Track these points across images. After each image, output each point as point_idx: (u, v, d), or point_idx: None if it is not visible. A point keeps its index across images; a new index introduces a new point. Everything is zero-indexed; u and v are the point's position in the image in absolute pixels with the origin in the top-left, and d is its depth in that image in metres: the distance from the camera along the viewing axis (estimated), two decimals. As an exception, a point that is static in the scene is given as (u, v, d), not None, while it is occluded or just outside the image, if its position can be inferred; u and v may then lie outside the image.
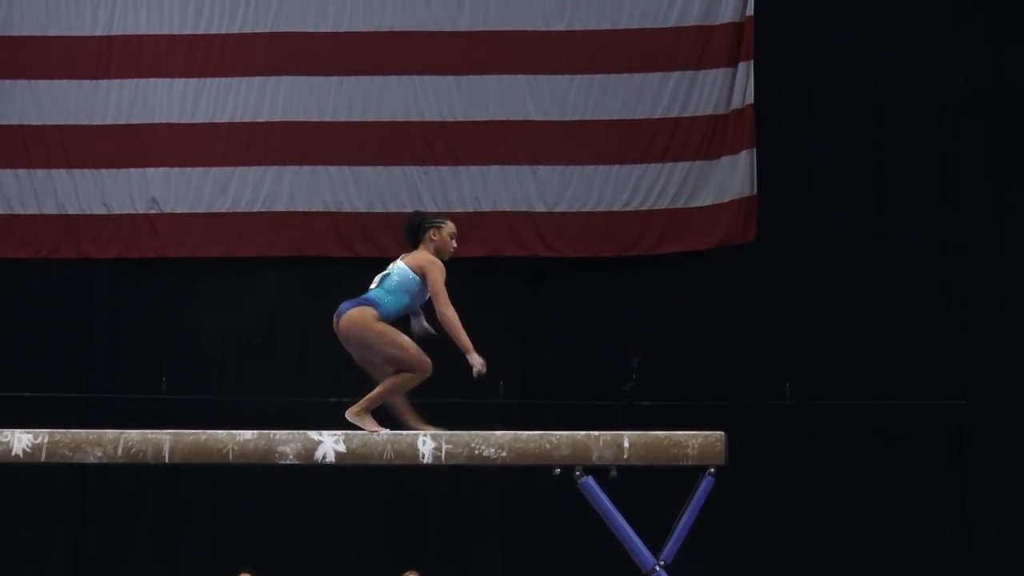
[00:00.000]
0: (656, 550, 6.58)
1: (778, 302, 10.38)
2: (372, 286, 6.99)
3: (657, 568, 6.53)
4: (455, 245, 7.04)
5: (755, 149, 10.28)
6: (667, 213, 10.36)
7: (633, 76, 10.43)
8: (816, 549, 10.23)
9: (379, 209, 10.45)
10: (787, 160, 10.47)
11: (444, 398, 10.07)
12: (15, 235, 10.50)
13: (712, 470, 6.59)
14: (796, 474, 10.28)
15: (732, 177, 10.29)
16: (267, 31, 10.58)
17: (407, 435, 6.79)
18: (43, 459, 6.77)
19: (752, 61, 10.33)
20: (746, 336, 10.40)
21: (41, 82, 10.54)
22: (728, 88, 10.37)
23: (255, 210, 10.46)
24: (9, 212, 10.50)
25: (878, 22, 10.58)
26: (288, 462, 6.81)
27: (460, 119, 10.47)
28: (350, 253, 10.46)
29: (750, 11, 10.35)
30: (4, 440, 6.72)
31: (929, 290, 10.41)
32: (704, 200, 10.34)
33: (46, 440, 6.75)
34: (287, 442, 6.75)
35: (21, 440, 6.73)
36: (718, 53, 10.38)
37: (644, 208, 10.38)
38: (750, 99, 10.30)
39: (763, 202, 10.25)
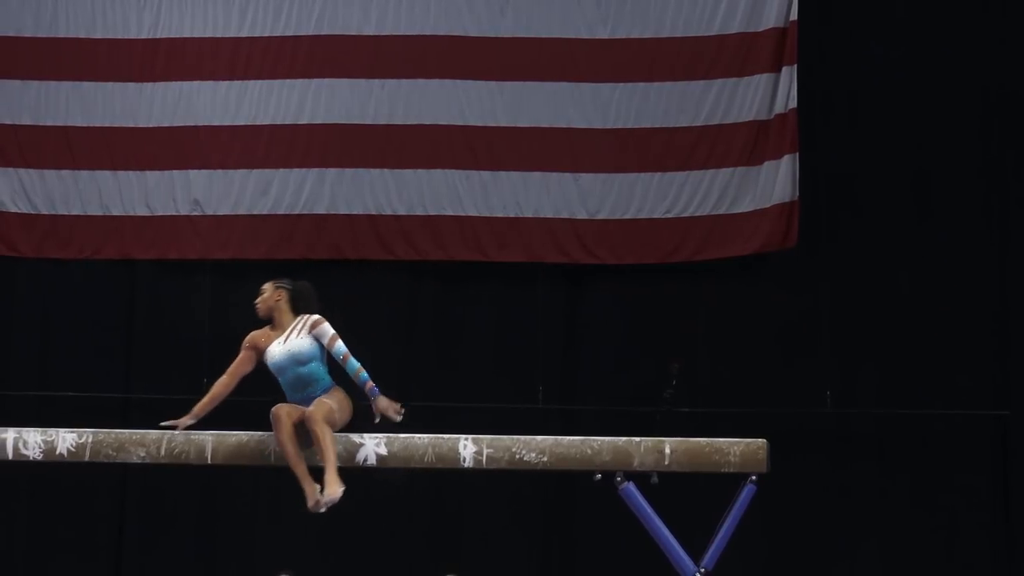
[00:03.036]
0: (697, 557, 6.57)
1: (819, 308, 10.34)
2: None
3: (698, 575, 6.52)
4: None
5: (797, 154, 10.25)
6: (709, 220, 10.34)
7: (676, 84, 10.41)
8: (855, 558, 10.17)
9: (420, 212, 10.46)
10: (830, 165, 10.43)
11: (484, 403, 10.12)
12: (59, 235, 10.57)
13: (754, 477, 6.59)
14: (836, 483, 10.22)
15: (774, 182, 10.26)
16: (310, 33, 10.60)
17: (448, 439, 6.82)
18: (87, 458, 6.84)
19: (795, 66, 10.30)
20: (787, 343, 10.35)
21: (86, 84, 10.61)
22: (771, 93, 10.34)
23: (296, 212, 10.49)
24: (53, 212, 10.56)
25: (922, 27, 10.53)
26: (330, 464, 6.83)
27: (502, 124, 10.46)
28: (391, 256, 10.48)
29: (794, 16, 10.32)
30: (49, 439, 6.79)
31: (973, 298, 10.34)
32: (746, 206, 10.31)
33: (90, 440, 6.81)
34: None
35: (65, 439, 6.80)
36: (761, 59, 10.35)
37: (686, 215, 10.35)
38: (793, 104, 10.27)
39: (805, 207, 10.20)
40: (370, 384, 6.96)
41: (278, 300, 7.25)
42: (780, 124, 10.29)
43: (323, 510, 6.79)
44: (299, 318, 7.21)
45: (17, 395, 10.23)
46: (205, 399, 7.19)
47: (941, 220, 10.42)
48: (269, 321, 7.31)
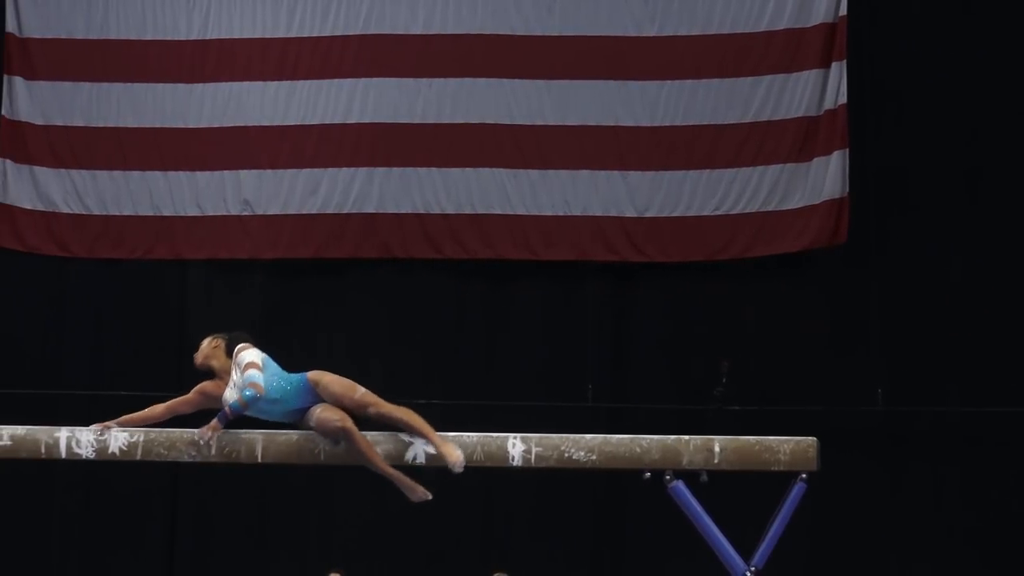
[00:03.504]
0: (747, 556, 6.53)
1: (870, 305, 10.27)
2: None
3: (748, 574, 6.49)
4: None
5: (847, 150, 10.18)
6: (758, 217, 10.29)
7: (724, 81, 10.37)
8: (907, 557, 10.10)
9: (468, 211, 10.48)
10: (880, 161, 10.35)
11: (533, 401, 10.12)
12: (111, 235, 10.65)
13: (804, 476, 6.54)
14: (888, 481, 10.16)
15: (824, 179, 10.20)
16: (357, 33, 10.64)
17: (497, 437, 6.80)
18: (139, 457, 6.87)
19: (845, 61, 10.23)
20: (837, 340, 10.29)
21: (137, 85, 10.69)
22: (820, 89, 10.27)
23: (345, 211, 10.52)
24: (105, 213, 10.64)
25: (971, 20, 10.43)
26: (379, 463, 6.84)
27: (550, 123, 10.46)
28: (439, 255, 10.50)
29: (843, 11, 10.25)
30: (101, 439, 6.83)
31: (1025, 293, 10.25)
32: (795, 202, 10.26)
33: (142, 439, 6.85)
34: (379, 443, 6.79)
35: (118, 439, 6.84)
36: (810, 55, 10.29)
37: (735, 212, 10.31)
38: (843, 99, 10.20)
39: (855, 204, 10.14)
40: (227, 412, 6.69)
41: (215, 348, 6.95)
42: (830, 120, 10.23)
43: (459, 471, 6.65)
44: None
45: (70, 394, 10.33)
46: (137, 416, 6.94)
47: (993, 216, 10.32)
48: (212, 374, 7.00)
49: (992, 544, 10.05)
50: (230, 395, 6.83)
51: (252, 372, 6.75)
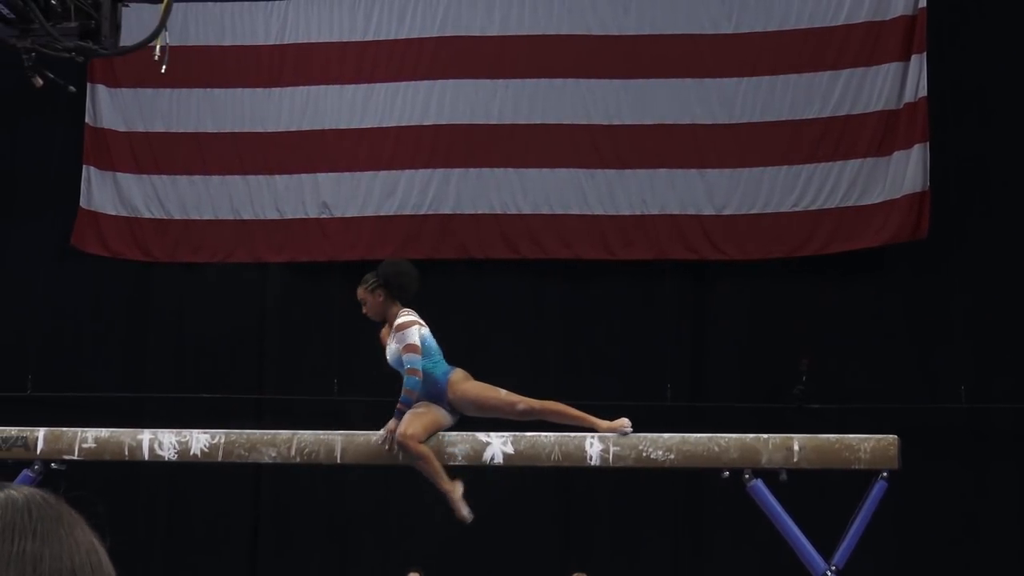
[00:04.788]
0: (827, 555, 6.47)
1: (952, 300, 10.13)
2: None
3: (829, 573, 6.43)
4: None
5: (928, 143, 10.05)
6: (837, 212, 10.18)
7: (801, 76, 10.27)
8: (991, 556, 9.95)
9: (545, 211, 10.47)
10: (962, 154, 10.20)
11: (611, 400, 10.09)
12: (192, 240, 10.77)
13: (885, 474, 6.47)
14: (971, 479, 10.01)
15: (904, 173, 10.07)
16: (434, 35, 10.66)
17: (574, 437, 6.80)
18: (220, 459, 6.94)
19: (925, 54, 10.09)
20: (919, 336, 10.17)
21: (216, 90, 10.79)
22: (900, 82, 10.15)
23: (422, 212, 10.55)
24: (186, 217, 10.76)
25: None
26: (457, 463, 6.85)
27: (627, 122, 10.42)
28: (516, 255, 10.50)
29: (923, 3, 10.12)
30: (183, 440, 6.91)
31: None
32: (875, 197, 10.13)
33: (223, 440, 6.91)
34: (456, 443, 6.80)
35: (199, 440, 6.91)
36: (890, 48, 10.17)
37: (814, 208, 10.21)
38: (923, 92, 10.07)
39: (936, 198, 10.00)
40: (400, 406, 6.68)
41: (380, 300, 6.90)
42: (910, 113, 10.10)
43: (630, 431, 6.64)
44: (398, 314, 6.84)
45: (153, 397, 10.46)
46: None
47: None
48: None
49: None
50: (392, 356, 6.79)
51: (412, 356, 6.72)
